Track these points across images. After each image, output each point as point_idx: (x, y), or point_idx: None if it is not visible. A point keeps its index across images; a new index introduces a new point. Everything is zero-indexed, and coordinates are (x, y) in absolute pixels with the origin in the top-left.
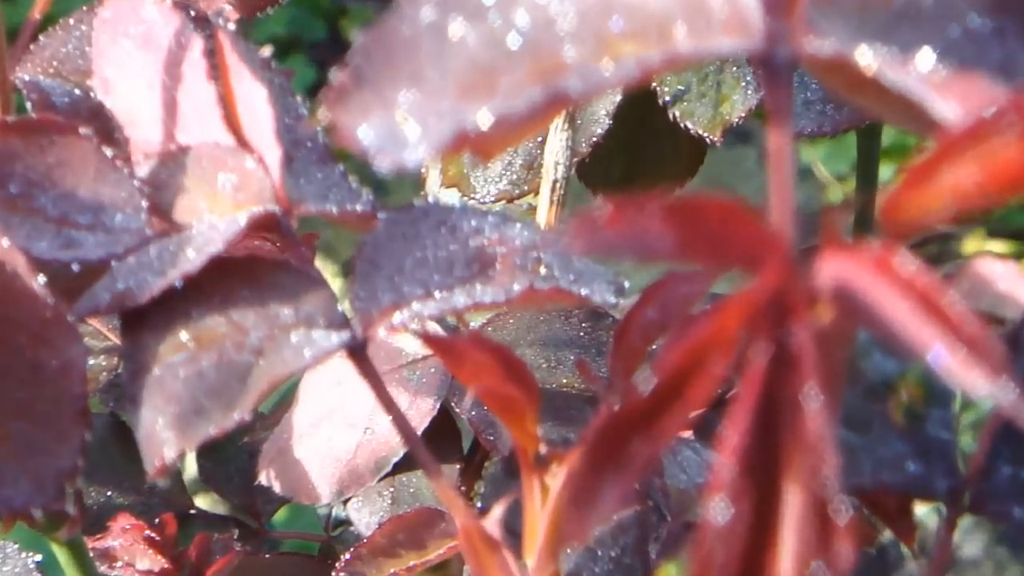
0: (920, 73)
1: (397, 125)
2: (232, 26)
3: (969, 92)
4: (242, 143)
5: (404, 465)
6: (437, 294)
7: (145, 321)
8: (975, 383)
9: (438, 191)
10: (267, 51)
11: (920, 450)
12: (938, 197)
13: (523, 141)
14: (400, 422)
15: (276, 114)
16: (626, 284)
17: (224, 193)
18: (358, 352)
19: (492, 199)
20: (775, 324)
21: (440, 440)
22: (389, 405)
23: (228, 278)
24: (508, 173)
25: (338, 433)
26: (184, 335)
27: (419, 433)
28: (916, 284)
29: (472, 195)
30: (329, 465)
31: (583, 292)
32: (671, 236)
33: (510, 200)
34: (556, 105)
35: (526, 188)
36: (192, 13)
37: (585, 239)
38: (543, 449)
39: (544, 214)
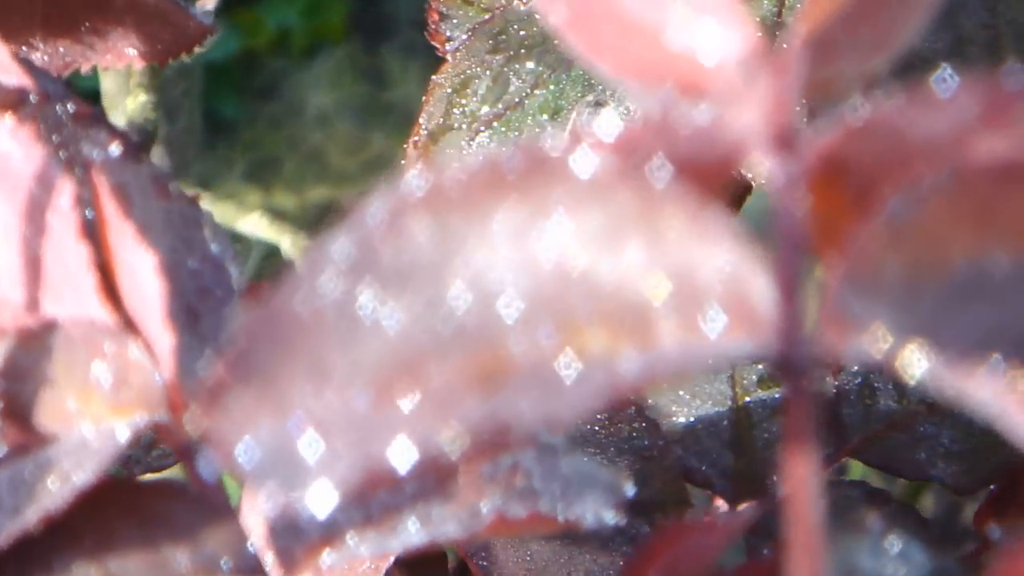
0: (992, 386)
1: (291, 439)
2: (117, 150)
3: None
4: (125, 321)
5: None
6: (380, 521)
7: None
8: None
9: None
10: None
11: None
12: None
13: None
14: None
15: (168, 289)
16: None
17: (100, 390)
18: None
19: None
20: None
21: (420, 562)
22: None
23: (103, 509)
24: None
25: None
26: None
27: (395, 556)
28: None
29: None
30: None
31: (571, 515)
32: None
33: None
34: (503, 437)
35: None
36: (71, 108)
37: None
38: None
39: None
